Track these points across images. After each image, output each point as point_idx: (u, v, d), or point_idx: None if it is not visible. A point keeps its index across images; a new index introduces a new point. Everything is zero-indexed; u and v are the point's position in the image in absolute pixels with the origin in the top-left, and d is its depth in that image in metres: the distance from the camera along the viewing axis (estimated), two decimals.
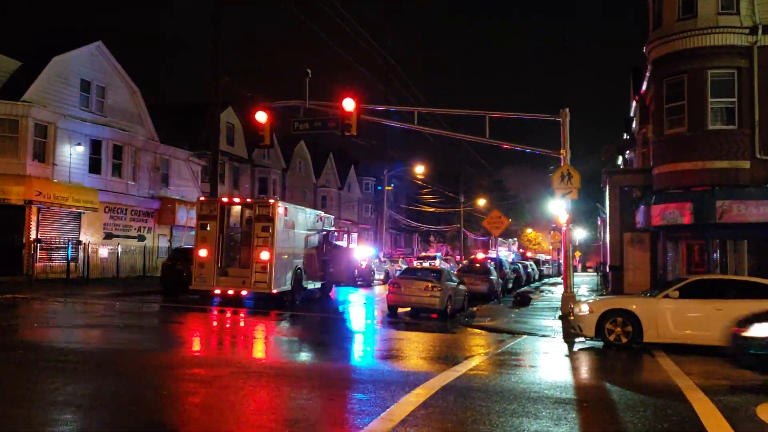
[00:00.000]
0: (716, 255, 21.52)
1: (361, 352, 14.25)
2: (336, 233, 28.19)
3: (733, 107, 20.83)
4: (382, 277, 39.05)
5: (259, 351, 13.62)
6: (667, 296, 14.67)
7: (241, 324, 18.39)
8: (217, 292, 21.86)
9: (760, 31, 20.40)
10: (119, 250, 33.00)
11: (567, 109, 20.26)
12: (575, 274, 53.61)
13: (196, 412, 7.78)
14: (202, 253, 21.57)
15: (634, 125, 37.49)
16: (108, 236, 32.93)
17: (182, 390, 8.87)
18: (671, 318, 14.40)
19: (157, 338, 14.98)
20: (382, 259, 43.36)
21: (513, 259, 52.10)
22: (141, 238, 35.25)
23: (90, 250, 31.16)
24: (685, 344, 14.32)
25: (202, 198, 24.06)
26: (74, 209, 30.31)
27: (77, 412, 7.50)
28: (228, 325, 18.09)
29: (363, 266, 25.80)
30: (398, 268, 38.15)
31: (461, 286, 23.24)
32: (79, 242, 30.66)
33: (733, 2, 20.75)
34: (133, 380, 9.33)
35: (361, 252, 30.50)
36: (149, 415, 7.47)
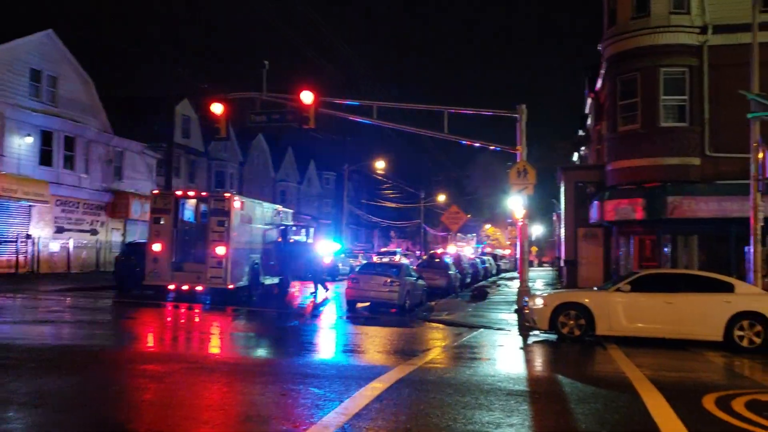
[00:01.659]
0: (667, 249, 22.04)
1: (317, 347, 14.18)
2: (295, 228, 27.97)
3: (685, 105, 21.32)
4: (347, 271, 38.95)
5: (213, 347, 13.44)
6: (619, 290, 14.95)
7: (196, 320, 18.13)
8: (172, 287, 21.50)
9: (710, 31, 20.91)
10: (71, 244, 32.22)
11: (524, 106, 20.41)
12: (532, 268, 54.35)
13: (146, 408, 7.61)
14: (156, 247, 21.20)
15: (589, 122, 38.11)
16: (59, 230, 32.11)
17: (132, 386, 8.69)
18: (623, 311, 14.67)
19: (108, 334, 14.65)
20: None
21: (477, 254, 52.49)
22: (94, 232, 34.48)
23: (40, 244, 30.36)
24: (636, 337, 14.62)
25: (156, 191, 23.63)
26: (24, 202, 29.49)
27: (21, 410, 7.27)
28: (182, 321, 17.81)
29: (328, 261, 25.75)
30: (359, 264, 38.10)
31: (420, 281, 23.34)
32: (28, 236, 29.84)
33: (685, 2, 21.23)
34: (82, 376, 9.10)
35: (326, 247, 30.35)
36: (98, 411, 7.29)
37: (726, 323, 13.98)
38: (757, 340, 13.82)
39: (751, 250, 16.48)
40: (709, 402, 8.41)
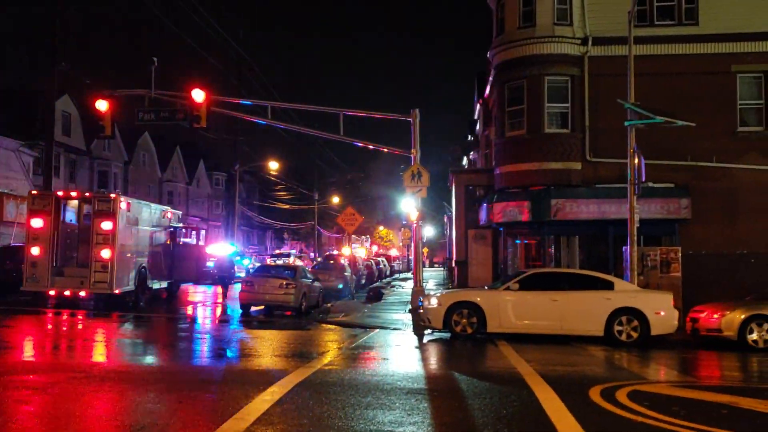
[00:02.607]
0: (551, 250, 23.09)
1: (212, 352, 13.82)
2: (184, 230, 27.12)
3: (567, 112, 22.41)
4: (243, 274, 38.20)
5: (100, 355, 12.80)
6: (508, 289, 15.55)
7: (79, 327, 17.21)
8: (52, 293, 20.36)
9: (590, 42, 22.12)
10: None
11: (417, 110, 20.82)
12: (424, 269, 55.40)
13: (29, 421, 7.14)
14: (35, 251, 19.97)
15: (478, 127, 39.32)
16: None
17: (12, 398, 8.11)
18: (512, 309, 15.28)
19: None
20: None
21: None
22: None
23: None
24: (524, 333, 15.25)
25: (34, 192, 22.21)
26: None
27: None
28: (64, 328, 16.86)
29: (226, 263, 25.54)
30: (252, 267, 37.48)
31: (316, 283, 23.26)
32: None
33: (568, 14, 22.33)
34: None
35: (222, 249, 29.77)
36: None
37: (606, 319, 14.88)
38: (635, 335, 14.80)
39: (629, 250, 17.59)
40: (595, 394, 8.90)
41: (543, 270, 19.15)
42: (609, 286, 15.52)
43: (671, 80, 21.56)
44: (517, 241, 24.59)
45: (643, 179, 17.68)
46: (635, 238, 17.47)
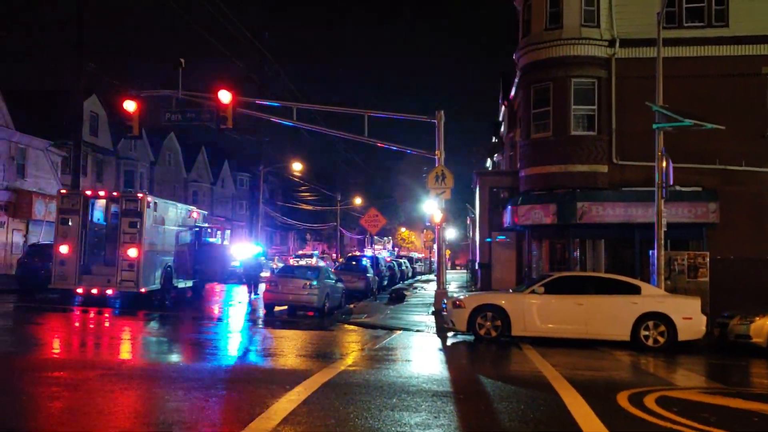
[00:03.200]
0: (576, 253, 22.92)
1: (237, 351, 13.91)
2: (209, 230, 27.36)
3: (594, 114, 22.25)
4: (267, 275, 38.45)
5: (127, 352, 12.95)
6: (533, 292, 15.44)
7: (107, 325, 17.42)
8: (80, 291, 20.66)
9: (617, 44, 21.95)
10: None
11: (442, 112, 20.84)
12: (446, 271, 55.17)
13: (61, 417, 7.25)
14: (63, 249, 20.30)
15: (502, 129, 39.15)
16: None
17: (45, 394, 8.25)
18: (537, 312, 15.17)
19: (12, 340, 13.85)
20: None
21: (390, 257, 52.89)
22: None
23: None
24: (549, 337, 15.14)
25: (63, 191, 22.59)
26: None
27: None
28: (92, 326, 17.08)
29: (253, 263, 25.99)
30: (276, 267, 37.72)
31: (339, 284, 23.33)
32: None
33: (595, 16, 22.18)
34: None
35: (249, 250, 30.14)
36: (7, 422, 6.88)
37: (633, 324, 14.71)
38: (662, 340, 14.61)
39: (655, 254, 17.39)
40: (622, 399, 8.81)
41: (569, 273, 18.98)
42: (636, 290, 15.35)
43: (700, 82, 21.32)
44: (542, 244, 24.41)
45: (671, 183, 17.49)
46: (662, 242, 17.27)
